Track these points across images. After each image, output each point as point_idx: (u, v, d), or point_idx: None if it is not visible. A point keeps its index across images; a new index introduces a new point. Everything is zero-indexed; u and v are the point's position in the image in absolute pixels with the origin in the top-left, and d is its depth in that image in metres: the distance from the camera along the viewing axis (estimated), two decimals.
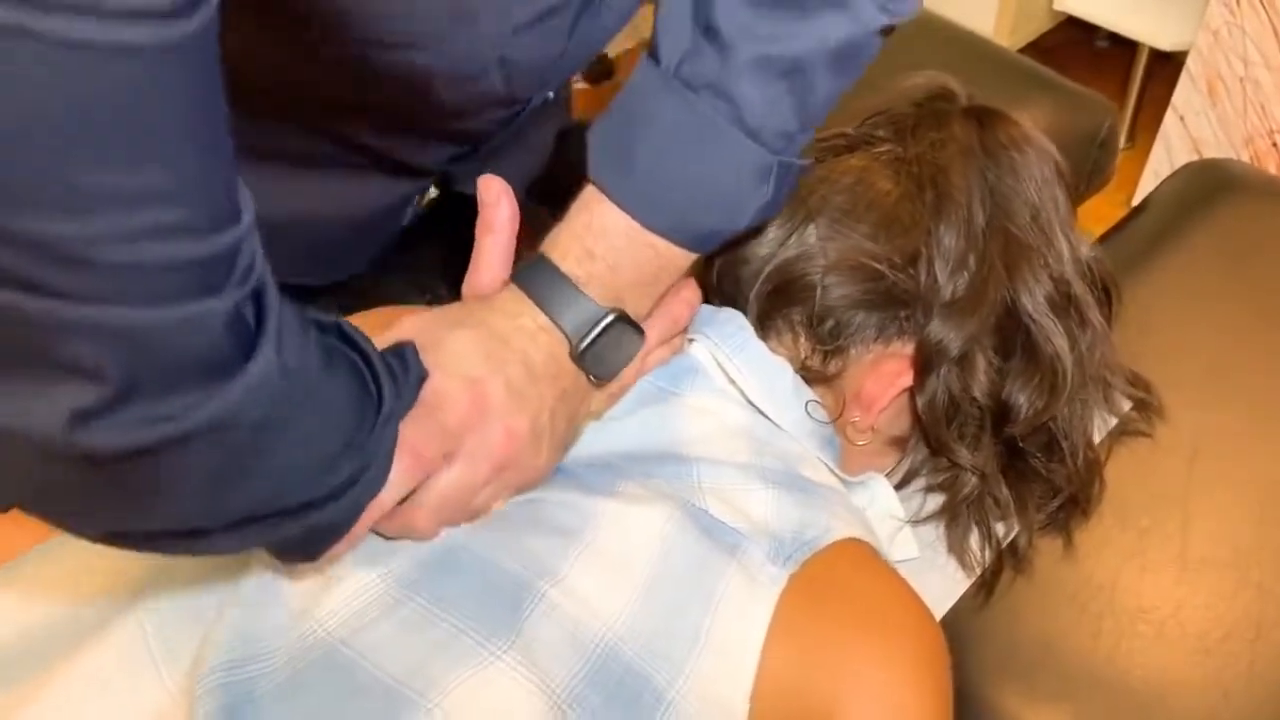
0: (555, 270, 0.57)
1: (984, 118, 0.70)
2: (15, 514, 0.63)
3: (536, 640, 0.49)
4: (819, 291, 0.65)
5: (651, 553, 0.52)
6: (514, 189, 0.61)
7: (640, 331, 0.59)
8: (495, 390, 0.53)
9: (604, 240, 0.57)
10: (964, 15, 1.30)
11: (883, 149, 0.69)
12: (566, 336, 0.57)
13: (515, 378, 0.54)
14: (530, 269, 0.58)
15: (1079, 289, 0.69)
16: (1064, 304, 0.68)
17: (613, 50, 2.16)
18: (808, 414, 0.64)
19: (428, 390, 0.51)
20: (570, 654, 0.49)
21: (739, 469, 0.58)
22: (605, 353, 0.58)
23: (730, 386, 0.64)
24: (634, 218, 0.57)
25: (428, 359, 0.52)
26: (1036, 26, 2.23)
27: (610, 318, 0.57)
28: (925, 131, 0.69)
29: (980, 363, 0.65)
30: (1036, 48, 2.23)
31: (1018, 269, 0.66)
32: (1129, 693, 0.67)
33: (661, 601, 0.51)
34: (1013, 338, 0.67)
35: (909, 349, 0.66)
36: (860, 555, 0.56)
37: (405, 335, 0.53)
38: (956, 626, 0.67)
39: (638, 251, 0.58)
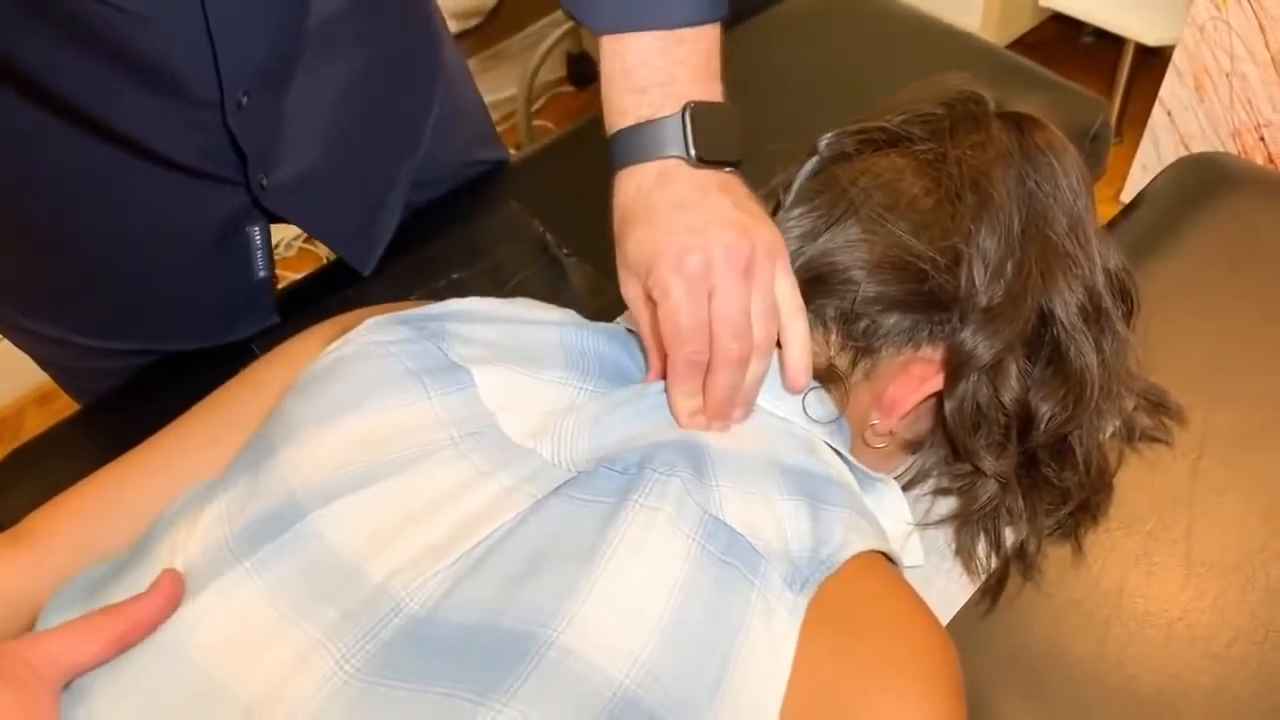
0: (626, 132, 0.60)
1: (1022, 122, 0.69)
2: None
3: (545, 691, 0.47)
4: (859, 287, 0.64)
5: (669, 597, 0.50)
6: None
7: (720, 102, 0.62)
8: (686, 240, 0.57)
9: (644, 72, 0.61)
10: (950, 12, 1.29)
11: (922, 148, 0.67)
12: (678, 157, 0.59)
13: (688, 221, 0.57)
14: (615, 150, 0.61)
15: (1108, 301, 0.68)
16: (1095, 315, 0.67)
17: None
18: (803, 410, 0.62)
19: (656, 289, 0.57)
20: (586, 703, 0.47)
21: (754, 471, 0.56)
22: (712, 137, 0.60)
23: None
24: (655, 29, 0.60)
25: (642, 272, 0.58)
26: (1022, 23, 2.22)
27: (686, 112, 0.59)
28: (964, 134, 0.67)
29: (1012, 370, 0.64)
30: (1022, 44, 2.22)
31: (1053, 277, 0.65)
32: (1137, 699, 0.66)
33: (681, 648, 0.49)
34: (1041, 347, 0.66)
35: (938, 354, 0.65)
36: (872, 571, 0.55)
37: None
38: (961, 632, 0.66)
39: (675, 54, 0.61)
